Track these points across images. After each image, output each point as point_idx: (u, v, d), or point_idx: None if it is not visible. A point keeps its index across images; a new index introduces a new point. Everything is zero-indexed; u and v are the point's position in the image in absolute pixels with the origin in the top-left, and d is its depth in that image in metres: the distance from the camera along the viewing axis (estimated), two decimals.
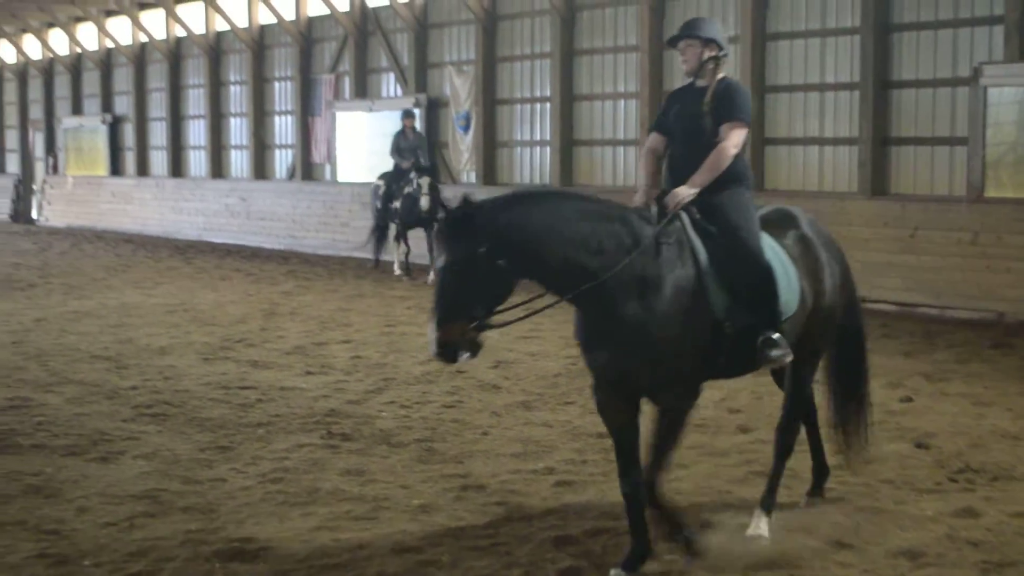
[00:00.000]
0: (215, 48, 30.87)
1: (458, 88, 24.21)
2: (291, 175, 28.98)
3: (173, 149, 32.98)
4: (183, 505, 7.83)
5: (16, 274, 22.69)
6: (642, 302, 6.14)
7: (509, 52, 23.46)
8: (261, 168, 29.91)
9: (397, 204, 20.01)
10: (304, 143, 28.38)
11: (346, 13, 26.33)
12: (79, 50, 36.66)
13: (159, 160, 33.83)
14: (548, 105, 22.94)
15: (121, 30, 34.16)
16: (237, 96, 30.90)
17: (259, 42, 29.53)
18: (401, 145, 20.08)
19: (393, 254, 20.70)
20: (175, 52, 32.52)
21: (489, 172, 23.08)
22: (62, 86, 38.36)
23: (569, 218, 6.31)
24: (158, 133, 33.67)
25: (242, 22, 29.81)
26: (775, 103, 19.57)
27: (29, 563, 6.72)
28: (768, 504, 6.86)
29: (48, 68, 38.80)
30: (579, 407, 10.57)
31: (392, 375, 12.34)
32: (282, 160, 29.61)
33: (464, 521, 7.29)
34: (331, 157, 27.62)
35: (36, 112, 39.87)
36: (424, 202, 18.98)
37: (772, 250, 6.61)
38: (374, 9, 26.07)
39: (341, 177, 27.27)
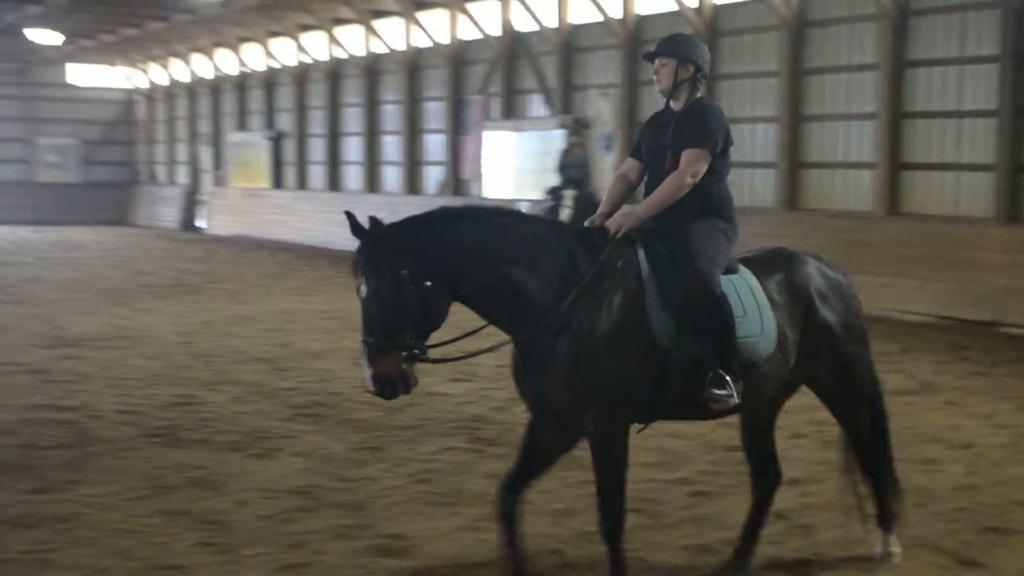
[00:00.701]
0: (372, 69, 32.53)
1: (601, 110, 25.26)
2: (441, 191, 30.07)
3: (331, 164, 34.75)
4: (336, 501, 8.14)
5: (184, 279, 24.11)
6: (576, 324, 5.94)
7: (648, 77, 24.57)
8: (413, 183, 31.42)
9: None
10: (454, 160, 29.65)
11: (496, 37, 27.69)
12: (246, 69, 38.63)
13: (318, 174, 35.66)
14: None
15: (285, 52, 36.08)
16: (391, 115, 32.40)
17: (414, 63, 30.92)
18: (566, 163, 20.20)
19: None
20: (335, 72, 34.27)
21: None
22: (229, 103, 40.19)
23: (500, 235, 6.08)
24: (317, 149, 35.56)
25: (398, 45, 31.23)
26: (911, 129, 19.64)
27: (194, 551, 7.09)
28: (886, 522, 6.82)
29: (216, 86, 40.69)
30: (712, 422, 10.61)
31: None
32: (433, 176, 30.91)
33: (587, 524, 7.02)
34: (479, 174, 28.80)
35: (204, 127, 41.76)
36: (565, 214, 18.79)
37: (748, 288, 6.32)
38: (523, 34, 27.19)
39: (488, 193, 28.10)
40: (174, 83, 43.87)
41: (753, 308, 6.25)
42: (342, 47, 33.53)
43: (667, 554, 7.04)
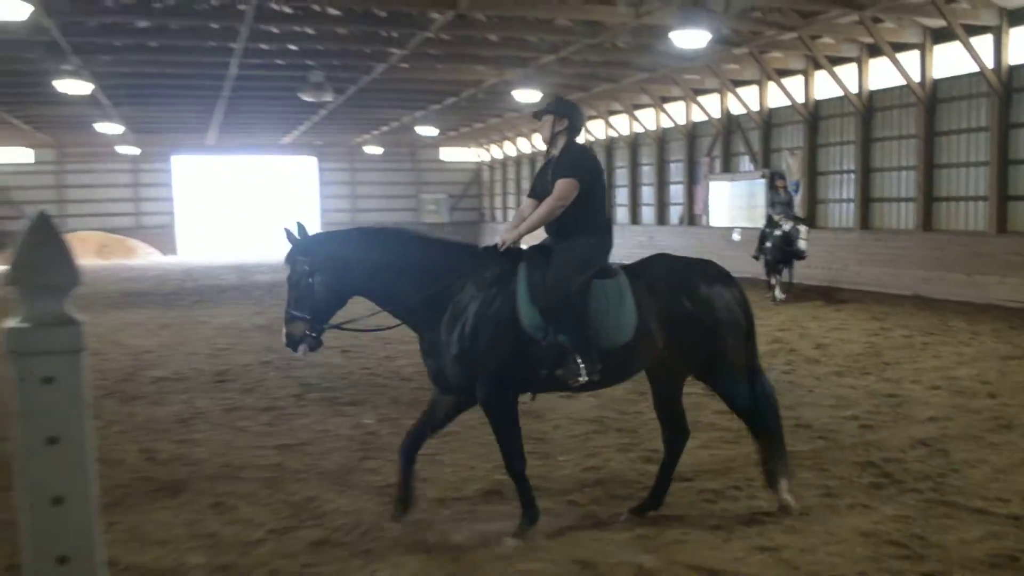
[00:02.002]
0: (662, 139, 32.22)
1: (790, 165, 24.78)
2: (680, 222, 30.10)
3: (607, 207, 35.59)
4: (617, 427, 8.20)
5: None
6: (462, 319, 5.59)
7: (825, 140, 23.86)
8: (662, 217, 31.29)
9: (768, 244, 18.01)
10: (689, 202, 29.53)
11: (718, 119, 27.49)
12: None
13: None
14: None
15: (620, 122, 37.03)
16: (647, 173, 32.35)
17: (662, 138, 30.89)
18: (775, 200, 18.61)
19: (773, 280, 18.44)
20: (632, 141, 34.45)
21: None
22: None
23: (383, 247, 5.81)
24: (621, 194, 34.82)
25: (650, 125, 31.23)
26: (1015, 172, 18.43)
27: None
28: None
29: (533, 158, 40.28)
30: (874, 376, 10.36)
31: None
32: (675, 213, 30.71)
33: (795, 448, 7.01)
34: (706, 210, 28.57)
35: (526, 184, 40.69)
36: (803, 244, 17.31)
37: (617, 289, 5.77)
38: (735, 115, 27.06)
39: (712, 223, 28.20)
40: (506, 157, 44.65)
41: (616, 305, 5.71)
42: (639, 122, 33.18)
43: (843, 469, 6.84)
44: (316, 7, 20.01)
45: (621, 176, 34.33)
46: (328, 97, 24.38)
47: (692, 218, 29.77)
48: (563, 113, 6.00)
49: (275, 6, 18.64)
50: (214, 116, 33.90)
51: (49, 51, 21.09)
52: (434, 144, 45.51)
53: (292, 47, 23.01)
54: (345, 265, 5.67)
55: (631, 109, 32.00)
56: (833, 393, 9.51)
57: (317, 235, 5.87)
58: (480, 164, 48.50)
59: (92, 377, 10.74)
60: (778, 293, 18.26)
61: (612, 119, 33.73)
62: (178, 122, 37.06)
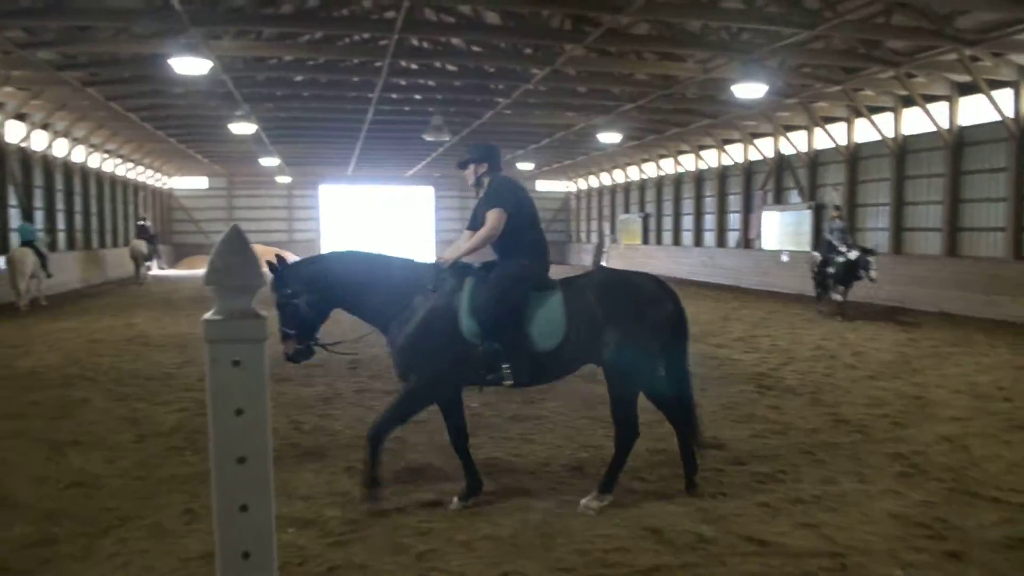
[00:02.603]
0: (701, 176, 31.85)
1: (833, 198, 23.99)
2: (737, 245, 29.42)
3: (674, 229, 34.24)
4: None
5: None
6: (408, 325, 5.46)
7: (864, 177, 23.17)
8: (722, 241, 30.55)
9: (831, 269, 16.51)
10: (744, 228, 28.94)
11: (770, 158, 26.97)
12: (629, 179, 38.59)
13: (667, 236, 35.05)
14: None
15: (649, 167, 35.89)
16: (709, 204, 31.68)
17: (721, 174, 30.28)
18: (832, 228, 17.04)
19: (822, 301, 17.32)
20: (683, 178, 33.69)
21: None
22: (620, 197, 40.23)
23: (354, 269, 5.69)
24: (668, 223, 35.01)
25: (712, 163, 30.74)
26: None
27: (605, 438, 6.85)
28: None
29: (613, 189, 40.76)
30: (904, 380, 10.00)
31: (793, 355, 11.79)
32: (733, 237, 29.97)
33: (835, 440, 7.03)
34: (759, 236, 28.03)
35: (606, 211, 42.05)
36: (874, 274, 15.84)
37: (549, 301, 5.56)
38: (785, 155, 26.48)
39: (764, 247, 27.59)
40: (590, 188, 44.46)
41: (547, 315, 5.49)
42: (680, 164, 33.10)
43: (876, 459, 6.65)
44: (437, 64, 20.31)
45: (687, 205, 33.76)
46: (446, 137, 24.65)
47: (747, 242, 29.19)
48: (481, 158, 5.89)
49: (404, 63, 18.98)
50: (353, 152, 34.65)
51: (224, 99, 21.81)
52: (530, 176, 45.55)
53: (417, 96, 23.39)
54: (319, 285, 5.57)
55: (696, 149, 31.59)
56: (868, 394, 9.24)
57: (293, 264, 5.72)
58: (568, 194, 48.36)
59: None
60: (826, 307, 17.31)
61: (680, 157, 33.36)
62: (324, 157, 37.91)
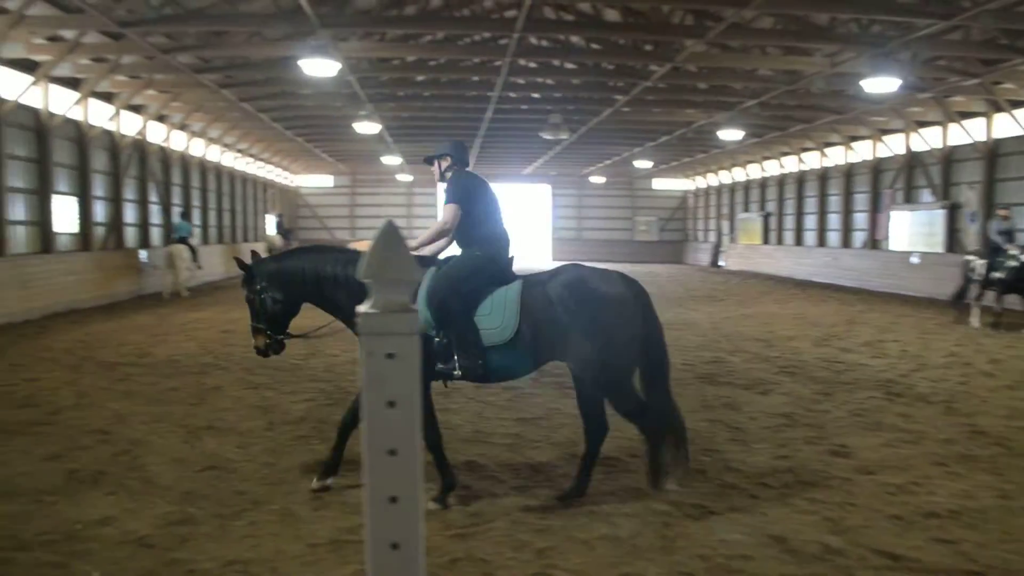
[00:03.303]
0: (848, 172, 30.93)
1: (970, 198, 22.95)
2: (863, 246, 28.26)
3: (796, 230, 33.24)
4: (805, 422, 7.72)
5: (713, 293, 23.83)
6: None
7: (1004, 175, 21.67)
8: (847, 241, 29.35)
9: (999, 274, 14.78)
10: (872, 228, 27.72)
11: (900, 155, 25.90)
12: (748, 177, 37.73)
13: (788, 236, 34.04)
14: None
15: (771, 165, 34.96)
16: (834, 202, 30.50)
17: (848, 171, 29.18)
18: (998, 228, 15.14)
19: (975, 309, 15.46)
20: (796, 178, 32.74)
21: None
22: (739, 195, 39.32)
23: (316, 264, 5.77)
24: (790, 222, 34.01)
25: (839, 160, 29.62)
26: None
27: (725, 442, 6.90)
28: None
29: (732, 187, 39.92)
30: None
31: (925, 362, 11.34)
32: (859, 237, 28.75)
33: (972, 453, 6.65)
34: (886, 236, 26.93)
35: (724, 209, 41.12)
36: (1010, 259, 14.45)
37: (505, 296, 5.44)
38: (917, 152, 25.30)
39: (892, 248, 26.51)
40: (708, 186, 43.64)
41: (500, 309, 5.37)
42: (804, 161, 32.22)
43: (1018, 474, 6.26)
44: (556, 62, 20.32)
45: (811, 204, 32.70)
46: (564, 136, 24.65)
47: (874, 243, 28.03)
48: (446, 153, 5.90)
49: (523, 62, 19.07)
50: (472, 150, 35.07)
51: (349, 99, 22.43)
52: (648, 175, 45.13)
53: (535, 95, 23.46)
54: (284, 281, 5.79)
55: (821, 146, 30.58)
56: (1007, 405, 8.70)
57: (261, 261, 5.94)
58: (686, 192, 47.52)
59: None
60: (975, 321, 15.37)
61: (804, 155, 32.31)
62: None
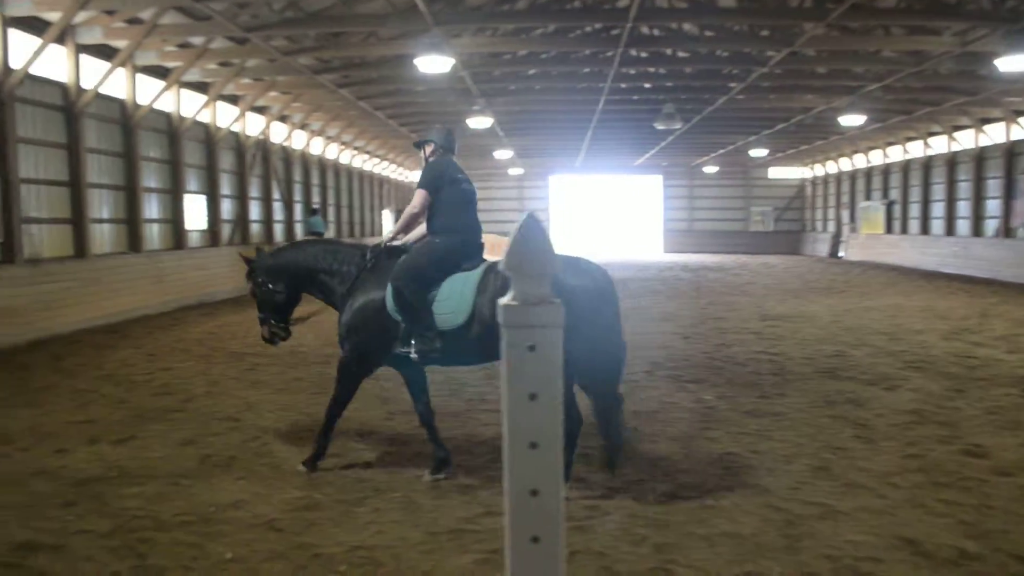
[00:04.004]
0: (979, 157, 29.33)
1: None
2: (996, 234, 26.75)
3: (922, 218, 31.69)
4: (936, 420, 7.35)
5: (832, 285, 22.94)
6: (349, 300, 5.87)
7: None
8: (977, 230, 27.92)
9: None
10: (1005, 215, 26.22)
11: None
12: (870, 164, 36.24)
13: (914, 225, 32.47)
14: None
15: (894, 151, 33.55)
16: (964, 188, 28.90)
17: (980, 156, 27.71)
18: None
19: None
20: (921, 164, 31.29)
21: None
22: (860, 183, 37.77)
23: (309, 256, 6.19)
24: (915, 210, 32.46)
25: (969, 144, 28.23)
26: None
27: (849, 440, 6.67)
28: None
29: (852, 175, 38.40)
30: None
31: None
32: (991, 225, 27.26)
33: None
34: (1022, 224, 25.55)
35: (844, 198, 39.75)
36: None
37: (463, 281, 5.59)
38: None
39: None
40: (827, 174, 42.23)
41: (456, 295, 5.51)
42: (930, 146, 30.93)
43: None
44: (668, 51, 20.01)
45: (938, 191, 31.16)
46: (677, 125, 24.26)
47: (1007, 231, 26.53)
48: (431, 139, 6.14)
49: (635, 52, 18.85)
50: (583, 143, 34.98)
51: (462, 95, 22.69)
52: (763, 164, 44.02)
53: (647, 85, 23.17)
54: (281, 274, 6.24)
55: (950, 130, 29.03)
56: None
57: (262, 256, 6.37)
58: (803, 180, 46.09)
59: None
60: None
61: (931, 139, 30.90)
62: (554, 148, 38.54)
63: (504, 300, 1.36)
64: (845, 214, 40.15)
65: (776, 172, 45.98)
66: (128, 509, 5.30)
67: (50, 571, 4.39)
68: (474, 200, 6.06)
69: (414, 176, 46.17)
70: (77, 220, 15.59)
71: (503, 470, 1.32)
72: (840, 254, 39.29)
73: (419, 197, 5.90)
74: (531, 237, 1.35)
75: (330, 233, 29.99)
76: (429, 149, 6.15)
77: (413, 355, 5.63)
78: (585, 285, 5.36)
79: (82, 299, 14.64)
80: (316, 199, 30.15)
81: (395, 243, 6.14)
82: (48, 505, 5.39)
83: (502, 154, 36.39)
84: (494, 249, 30.63)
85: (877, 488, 5.59)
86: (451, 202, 5.89)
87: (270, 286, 6.26)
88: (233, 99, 22.06)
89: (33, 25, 13.97)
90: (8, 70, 13.32)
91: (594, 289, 5.40)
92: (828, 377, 9.49)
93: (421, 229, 6.20)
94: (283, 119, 25.59)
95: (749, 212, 46.44)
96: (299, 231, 27.70)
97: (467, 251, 5.82)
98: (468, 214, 5.95)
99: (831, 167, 41.45)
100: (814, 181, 44.71)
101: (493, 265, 5.68)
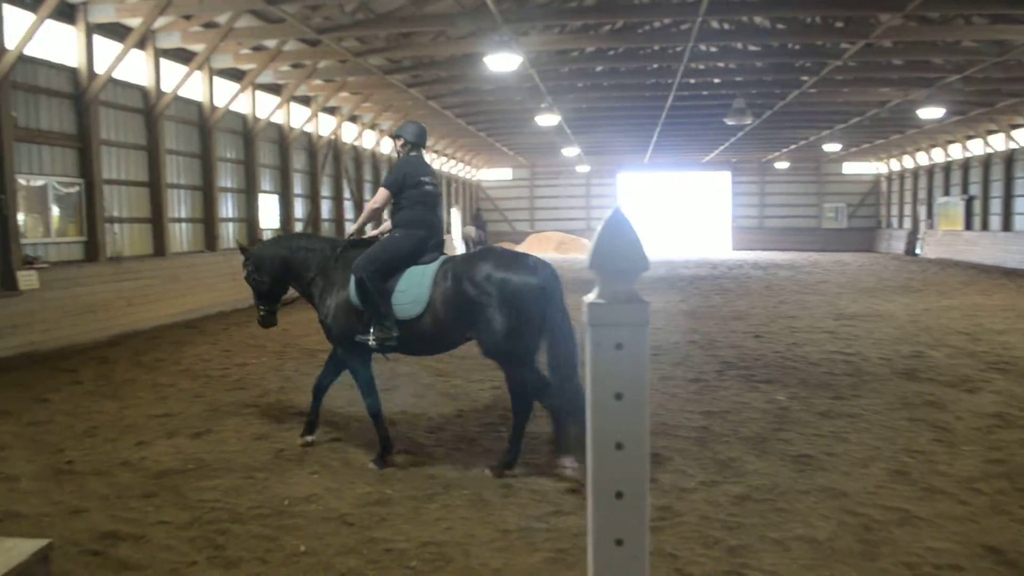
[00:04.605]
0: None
1: None
2: None
3: (1004, 213, 30.35)
4: (1022, 424, 7.05)
5: (909, 283, 22.36)
6: (322, 293, 6.25)
7: None
8: None
9: None
10: None
11: None
12: (948, 159, 34.99)
13: (995, 221, 31.27)
14: None
15: (974, 145, 32.28)
16: None
17: None
18: None
19: None
20: (1004, 158, 30.10)
21: None
22: (938, 179, 36.46)
23: (286, 248, 6.60)
24: (996, 205, 31.14)
25: None
26: None
27: (928, 443, 6.54)
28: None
29: (930, 169, 37.22)
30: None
31: None
32: None
33: None
34: None
35: (921, 194, 38.26)
36: None
37: (420, 274, 5.88)
38: None
39: None
40: (903, 169, 40.86)
41: (415, 286, 5.81)
42: (1014, 139, 29.50)
43: None
44: (739, 45, 19.69)
45: (1020, 186, 29.93)
46: (747, 121, 23.85)
47: None
48: (400, 134, 6.43)
49: (705, 47, 18.61)
50: (651, 139, 34.67)
51: (530, 93, 22.69)
52: (837, 159, 43.02)
53: (716, 80, 22.83)
54: (265, 265, 6.68)
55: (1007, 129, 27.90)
56: None
57: (253, 248, 6.87)
58: (878, 176, 44.75)
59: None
60: None
61: (1014, 132, 29.60)
62: (622, 145, 38.26)
63: (589, 297, 1.33)
64: (922, 210, 38.95)
65: (850, 167, 44.85)
66: (205, 501, 5.43)
67: (131, 560, 4.52)
68: (437, 200, 6.39)
69: (481, 174, 46.40)
70: (156, 219, 16.06)
71: (586, 471, 1.29)
72: (917, 251, 38.20)
73: (381, 194, 6.29)
74: (618, 232, 1.32)
75: None
76: (400, 143, 6.47)
77: (372, 343, 5.90)
78: (528, 282, 5.59)
79: (161, 296, 15.09)
80: None
81: (364, 237, 6.64)
82: (130, 496, 5.56)
83: (569, 152, 36.29)
84: (560, 247, 30.63)
85: (958, 494, 5.41)
86: (413, 200, 6.21)
87: (256, 276, 6.70)
88: (305, 100, 22.45)
89: (115, 31, 14.43)
90: (93, 75, 13.79)
91: (537, 286, 5.59)
92: (906, 378, 9.22)
93: (384, 225, 6.69)
94: (353, 119, 25.96)
95: (821, 208, 45.37)
96: (368, 229, 27.99)
97: (426, 246, 6.15)
98: (430, 212, 6.27)
99: (907, 162, 40.16)
100: (890, 176, 43.42)
101: (449, 259, 5.97)
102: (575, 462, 5.57)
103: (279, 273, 6.65)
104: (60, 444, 6.91)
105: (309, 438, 6.61)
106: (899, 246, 40.16)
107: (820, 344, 11.72)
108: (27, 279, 11.79)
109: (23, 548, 3.07)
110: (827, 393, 8.43)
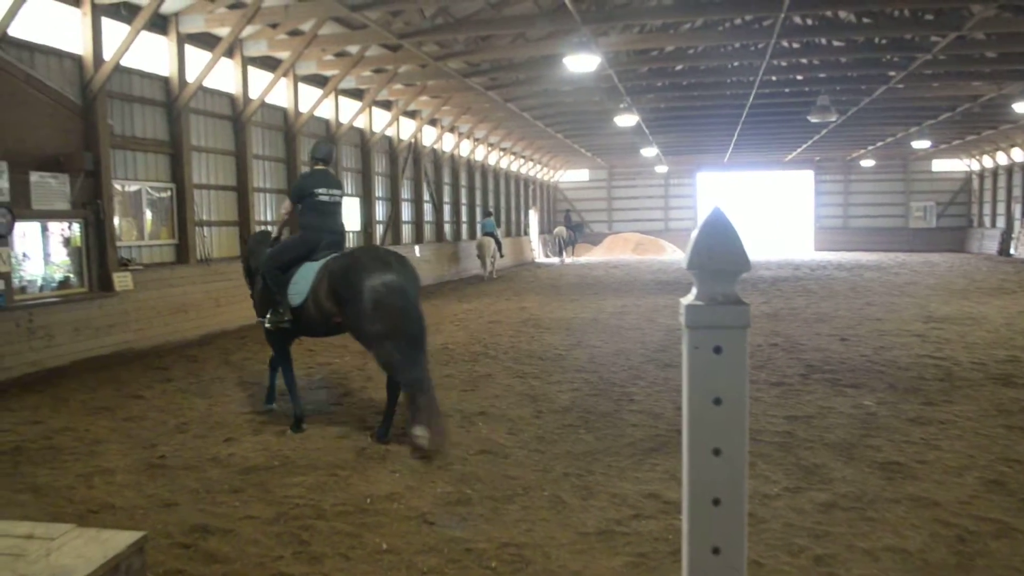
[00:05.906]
0: None
1: None
2: None
3: None
4: None
5: (1003, 285, 21.28)
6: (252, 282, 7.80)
7: None
8: None
9: None
10: None
11: None
12: None
13: None
14: None
15: None
16: None
17: None
18: None
19: None
20: None
21: None
22: None
23: (250, 245, 8.14)
24: None
25: None
26: None
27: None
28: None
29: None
30: None
31: None
32: None
33: None
34: None
35: (1016, 192, 36.47)
36: None
37: (309, 268, 6.96)
38: None
39: None
40: (997, 166, 39.10)
41: (304, 279, 6.90)
42: None
43: None
44: (822, 41, 19.21)
45: None
46: (832, 118, 23.27)
47: None
48: (312, 152, 7.51)
49: (787, 43, 18.21)
50: (731, 139, 34.11)
51: (608, 93, 22.56)
52: (925, 156, 41.58)
53: (798, 77, 22.32)
54: (246, 258, 8.07)
55: None
56: None
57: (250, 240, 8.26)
58: (970, 173, 43.00)
59: (641, 347, 11.13)
60: None
61: None
62: (701, 145, 37.76)
63: (687, 299, 1.30)
64: (1017, 208, 37.20)
65: (940, 165, 43.31)
66: (290, 497, 5.54)
67: (220, 554, 4.64)
68: (334, 207, 7.33)
69: (559, 176, 46.39)
70: (243, 222, 16.49)
71: (682, 477, 1.26)
72: (1011, 252, 36.54)
73: (285, 206, 7.57)
74: (717, 232, 1.28)
75: (500, 232, 31.44)
76: (312, 160, 7.55)
77: (267, 324, 7.14)
78: (383, 278, 6.48)
79: (247, 297, 15.44)
80: (464, 200, 30.73)
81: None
82: (219, 491, 5.71)
83: (647, 152, 35.97)
84: (637, 248, 30.38)
85: None
86: (309, 207, 7.22)
87: (254, 264, 7.78)
88: (386, 104, 22.77)
89: (205, 40, 14.89)
90: (183, 83, 14.25)
91: (389, 280, 6.49)
92: (1001, 384, 8.79)
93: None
94: (433, 122, 26.23)
95: (909, 207, 43.89)
96: (448, 232, 28.33)
97: (318, 246, 7.13)
98: (326, 217, 7.23)
99: (1001, 158, 38.40)
100: (982, 174, 41.66)
101: (334, 258, 6.94)
102: (424, 430, 6.25)
103: (249, 268, 8.03)
104: (153, 439, 7.15)
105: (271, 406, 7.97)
106: (992, 246, 38.59)
107: (909, 348, 11.32)
108: (122, 280, 12.28)
109: (119, 540, 3.17)
110: (917, 398, 8.13)
